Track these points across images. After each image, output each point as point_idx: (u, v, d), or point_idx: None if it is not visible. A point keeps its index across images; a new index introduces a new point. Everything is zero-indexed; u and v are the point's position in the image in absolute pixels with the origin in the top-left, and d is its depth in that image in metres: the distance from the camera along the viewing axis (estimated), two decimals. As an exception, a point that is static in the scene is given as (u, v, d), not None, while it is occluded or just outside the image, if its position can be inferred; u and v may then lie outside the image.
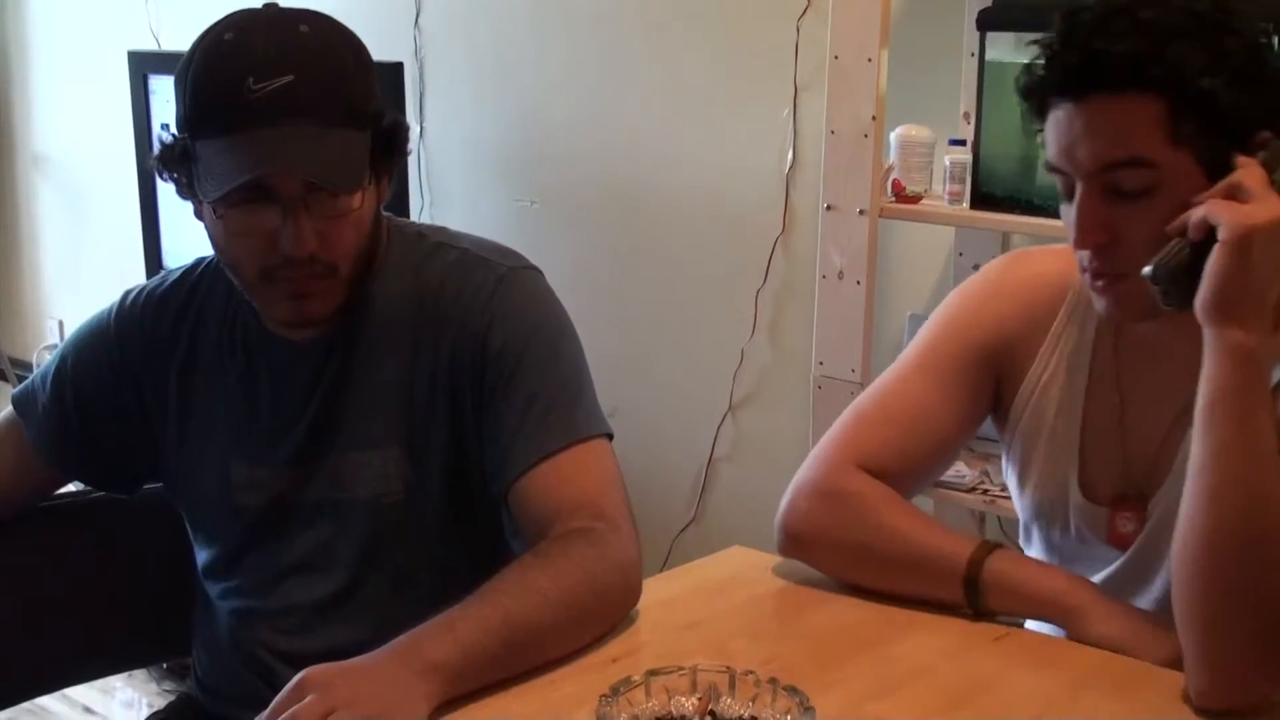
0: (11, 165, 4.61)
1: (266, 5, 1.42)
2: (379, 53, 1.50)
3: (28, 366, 4.42)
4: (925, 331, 1.52)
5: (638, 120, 3.02)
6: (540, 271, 1.53)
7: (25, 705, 1.70)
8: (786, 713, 1.12)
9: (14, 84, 4.58)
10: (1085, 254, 1.30)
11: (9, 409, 1.62)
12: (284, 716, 1.13)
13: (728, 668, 1.18)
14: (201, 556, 1.61)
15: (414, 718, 1.17)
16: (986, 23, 2.23)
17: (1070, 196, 1.30)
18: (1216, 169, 1.24)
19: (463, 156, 3.28)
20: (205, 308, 1.55)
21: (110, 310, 1.59)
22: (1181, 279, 1.23)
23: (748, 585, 1.47)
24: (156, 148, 1.43)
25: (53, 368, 1.59)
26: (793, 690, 1.13)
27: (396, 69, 2.97)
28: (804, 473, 1.49)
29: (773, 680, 1.15)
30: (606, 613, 1.35)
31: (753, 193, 2.83)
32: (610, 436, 1.47)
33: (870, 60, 2.31)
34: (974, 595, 1.36)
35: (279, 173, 1.35)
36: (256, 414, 1.52)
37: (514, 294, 1.48)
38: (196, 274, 1.58)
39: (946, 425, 1.50)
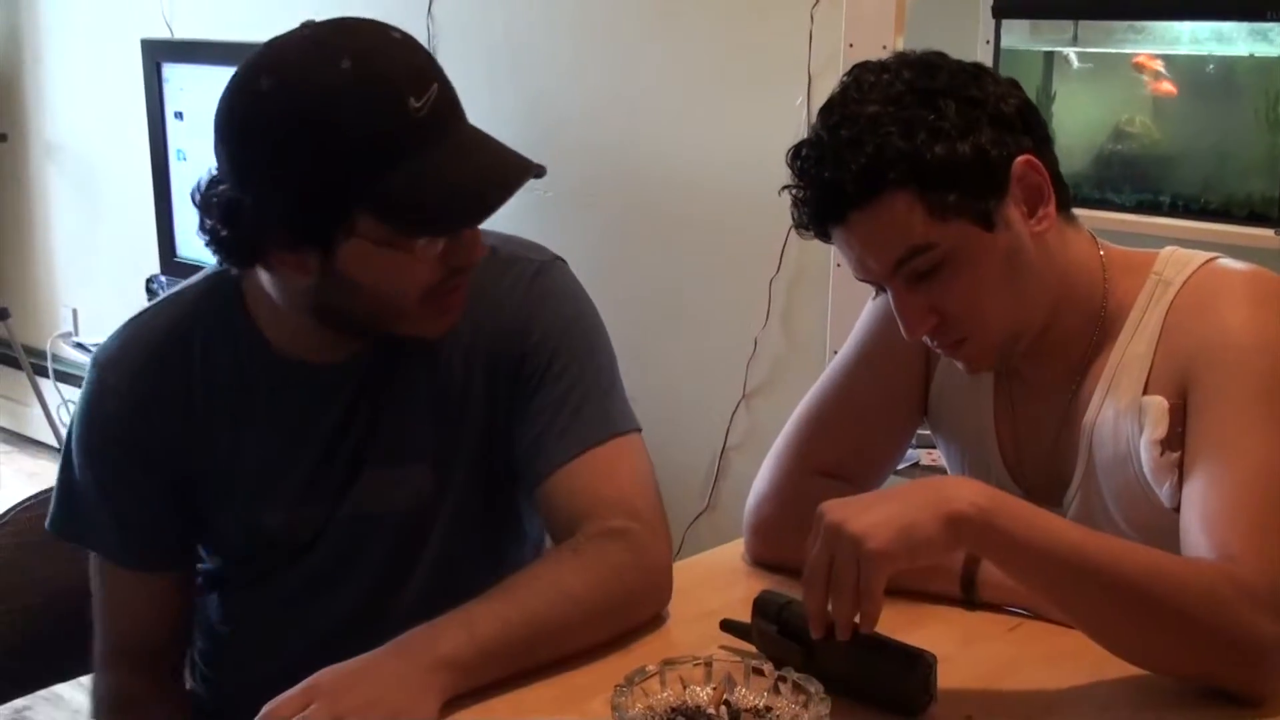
0: (25, 154, 4.62)
1: (306, 24, 1.30)
2: (392, 41, 1.49)
3: (42, 355, 4.43)
4: (863, 323, 1.53)
5: (651, 109, 3.01)
6: (566, 262, 1.50)
7: (41, 693, 1.70)
8: (801, 703, 1.12)
9: (27, 72, 4.58)
10: (925, 338, 1.36)
11: (96, 561, 1.48)
12: None
13: (743, 658, 1.18)
14: (209, 565, 1.54)
15: (425, 715, 1.16)
16: (1002, 10, 2.22)
17: (884, 290, 1.35)
18: (988, 218, 1.28)
19: (476, 145, 3.28)
20: (208, 359, 1.42)
21: (94, 405, 1.44)
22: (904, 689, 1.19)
23: (762, 575, 1.47)
24: (288, 228, 1.27)
25: (76, 486, 1.46)
26: (807, 679, 1.13)
27: (409, 57, 2.96)
28: (764, 483, 1.51)
29: (787, 670, 1.15)
30: (632, 617, 1.34)
31: (766, 181, 2.81)
32: (640, 431, 1.45)
33: (885, 48, 2.30)
34: (970, 590, 1.38)
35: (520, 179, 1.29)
36: (295, 453, 1.43)
37: (549, 287, 1.45)
38: (180, 328, 1.43)
39: (897, 417, 1.53)
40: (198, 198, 1.32)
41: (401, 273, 1.29)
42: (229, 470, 1.44)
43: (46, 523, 1.50)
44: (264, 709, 1.16)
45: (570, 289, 1.47)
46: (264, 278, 1.37)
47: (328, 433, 1.42)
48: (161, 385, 1.42)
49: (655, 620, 1.36)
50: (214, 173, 1.32)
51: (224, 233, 1.30)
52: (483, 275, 1.41)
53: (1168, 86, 2.12)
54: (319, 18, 1.31)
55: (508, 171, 1.29)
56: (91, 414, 1.44)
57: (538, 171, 1.30)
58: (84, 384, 1.45)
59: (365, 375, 1.42)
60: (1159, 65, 2.13)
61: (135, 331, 1.45)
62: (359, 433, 1.42)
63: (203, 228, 1.32)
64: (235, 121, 1.27)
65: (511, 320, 1.42)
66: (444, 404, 1.43)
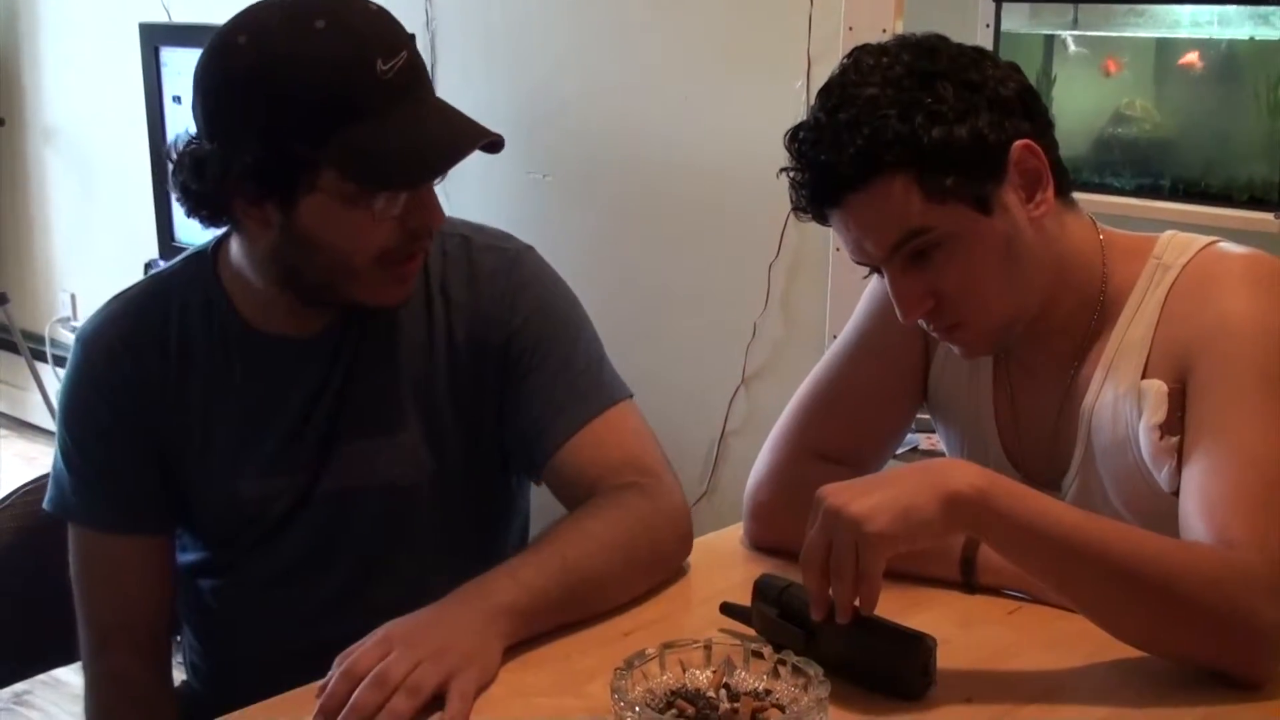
0: (22, 138, 4.61)
1: None
2: (391, 24, 1.49)
3: (40, 339, 4.43)
4: (863, 308, 1.53)
5: (651, 92, 3.01)
6: (535, 249, 1.53)
7: (41, 677, 1.71)
8: (801, 686, 1.12)
9: (25, 57, 4.57)
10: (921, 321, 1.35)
11: (79, 539, 1.49)
12: (373, 674, 1.14)
13: (742, 641, 1.18)
14: (192, 556, 1.54)
15: (492, 659, 1.21)
16: (1002, -7, 2.22)
17: (881, 273, 1.35)
18: (985, 202, 1.28)
19: (474, 129, 3.27)
20: (184, 331, 1.46)
21: (75, 376, 1.48)
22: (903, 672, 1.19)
23: (761, 559, 1.47)
24: (247, 162, 1.29)
25: (66, 459, 1.49)
26: (807, 663, 1.13)
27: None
28: (763, 468, 1.52)
29: (787, 653, 1.15)
30: (661, 560, 1.40)
31: (766, 165, 2.81)
32: (632, 397, 1.49)
33: (885, 31, 2.30)
34: (970, 574, 1.38)
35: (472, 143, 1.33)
36: (266, 424, 1.45)
37: (527, 273, 1.48)
38: (158, 302, 1.47)
39: (896, 401, 1.53)
40: (173, 154, 1.36)
41: (359, 231, 1.33)
42: (204, 438, 1.46)
43: (44, 502, 1.52)
44: (342, 662, 1.16)
45: (545, 274, 1.51)
46: (234, 247, 1.42)
47: (298, 405, 1.45)
48: (139, 356, 1.46)
49: (654, 603, 1.37)
50: (189, 133, 1.36)
51: (192, 185, 1.34)
52: (461, 261, 1.47)
53: (1192, 57, 2.12)
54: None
55: (466, 134, 1.34)
56: (74, 385, 1.49)
57: (496, 138, 1.34)
58: (69, 360, 1.50)
59: (336, 350, 1.45)
60: (1125, 60, 2.14)
61: (116, 307, 1.49)
62: (330, 406, 1.45)
63: (174, 182, 1.36)
64: (210, 75, 1.33)
65: (493, 307, 1.46)
66: (429, 383, 1.46)
